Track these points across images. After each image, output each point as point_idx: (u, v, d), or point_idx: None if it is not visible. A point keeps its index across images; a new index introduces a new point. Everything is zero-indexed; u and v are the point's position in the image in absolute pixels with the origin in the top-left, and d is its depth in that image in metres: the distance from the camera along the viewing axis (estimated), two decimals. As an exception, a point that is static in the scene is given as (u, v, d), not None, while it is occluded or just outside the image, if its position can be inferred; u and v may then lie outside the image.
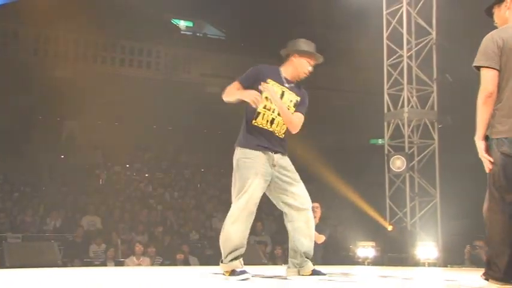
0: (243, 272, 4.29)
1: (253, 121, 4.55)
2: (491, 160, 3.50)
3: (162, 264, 10.88)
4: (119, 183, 15.15)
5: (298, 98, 4.67)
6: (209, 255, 11.96)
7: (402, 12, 12.04)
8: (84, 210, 12.91)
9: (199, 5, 17.93)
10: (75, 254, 10.76)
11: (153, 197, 14.68)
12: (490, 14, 3.79)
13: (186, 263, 10.98)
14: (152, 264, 10.56)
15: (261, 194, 4.48)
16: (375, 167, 13.35)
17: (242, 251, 4.40)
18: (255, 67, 4.66)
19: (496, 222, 3.47)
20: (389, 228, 11.92)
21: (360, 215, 12.70)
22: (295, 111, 4.62)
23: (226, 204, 16.26)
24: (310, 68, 4.67)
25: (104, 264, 10.62)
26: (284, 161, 4.62)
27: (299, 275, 4.68)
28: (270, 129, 4.56)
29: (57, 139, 16.76)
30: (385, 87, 12.35)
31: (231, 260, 4.36)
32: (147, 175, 16.21)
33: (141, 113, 15.92)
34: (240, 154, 4.53)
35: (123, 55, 16.79)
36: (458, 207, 11.49)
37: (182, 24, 20.77)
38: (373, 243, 10.68)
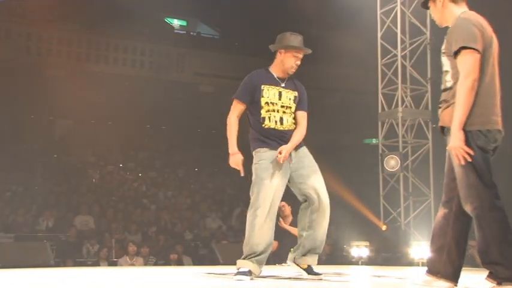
0: (244, 274, 4.29)
1: (263, 125, 4.56)
2: (471, 153, 3.23)
3: (155, 264, 10.84)
4: (112, 183, 15.09)
5: (296, 93, 4.67)
6: (203, 255, 11.93)
7: (396, 12, 12.03)
8: (77, 209, 12.84)
9: (193, 4, 17.90)
10: (68, 254, 10.69)
11: (146, 197, 14.62)
12: (426, 7, 3.69)
13: (179, 263, 10.94)
14: (145, 264, 10.52)
15: (281, 194, 4.49)
16: (369, 166, 13.36)
17: (264, 256, 4.41)
18: (246, 79, 4.66)
19: (493, 220, 3.23)
20: (384, 227, 11.92)
21: (354, 214, 12.69)
22: (298, 110, 4.65)
23: (220, 204, 16.23)
24: (298, 62, 4.64)
25: (97, 264, 10.57)
26: (301, 153, 4.63)
27: (294, 262, 4.67)
28: (281, 129, 4.58)
29: (49, 138, 16.68)
30: (379, 86, 12.34)
31: (244, 258, 4.39)
32: (140, 174, 16.15)
33: (135, 112, 15.87)
34: (255, 158, 4.55)
35: (116, 54, 16.73)
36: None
37: (176, 23, 20.73)
38: (367, 243, 10.67)
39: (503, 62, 3.58)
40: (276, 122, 4.56)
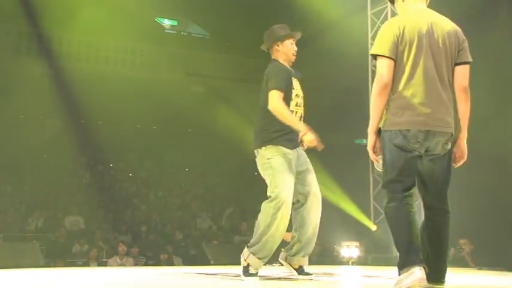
0: (253, 275, 4.37)
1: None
2: (376, 158, 3.46)
3: (145, 264, 10.82)
4: (102, 183, 15.04)
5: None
6: (193, 255, 11.92)
7: (387, 13, 12.07)
8: (67, 209, 12.79)
9: (184, 4, 17.85)
10: (57, 254, 10.65)
11: (137, 197, 14.59)
12: (392, 1, 3.72)
13: (170, 263, 10.93)
14: (136, 265, 10.49)
15: (293, 189, 4.46)
16: (359, 166, 13.38)
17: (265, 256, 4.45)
18: (279, 67, 4.58)
19: (398, 221, 3.37)
20: (374, 228, 11.94)
21: (344, 214, 12.72)
22: None
23: (211, 204, 16.18)
24: (295, 48, 4.72)
25: (86, 264, 10.53)
26: (301, 151, 4.66)
27: (286, 261, 4.67)
28: (300, 112, 4.62)
29: (39, 138, 16.58)
30: (370, 87, 12.37)
31: (260, 258, 4.40)
32: (131, 174, 16.11)
33: (125, 112, 15.81)
34: (268, 153, 4.46)
35: (107, 54, 16.66)
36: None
37: (166, 22, 20.66)
38: (357, 243, 10.70)
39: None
40: (298, 118, 4.58)
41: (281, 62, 4.68)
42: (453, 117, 3.35)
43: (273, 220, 4.36)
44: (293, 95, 4.55)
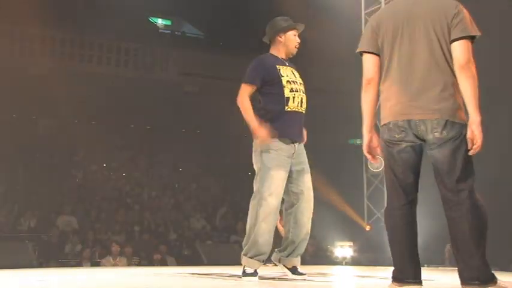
0: (252, 275, 4.36)
1: (286, 107, 4.49)
2: (371, 157, 3.35)
3: (139, 264, 10.79)
4: (95, 183, 14.98)
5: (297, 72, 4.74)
6: (187, 255, 11.89)
7: (380, 13, 12.09)
8: (59, 209, 12.74)
9: (178, 4, 17.82)
10: (50, 255, 10.61)
11: (130, 197, 14.55)
12: None
13: (163, 263, 10.90)
14: (129, 265, 10.46)
15: (283, 187, 4.44)
16: (353, 166, 13.39)
17: (266, 256, 4.46)
18: (255, 63, 4.58)
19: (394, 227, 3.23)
20: (367, 228, 11.97)
21: (338, 214, 12.73)
22: None
23: (205, 204, 16.14)
24: (298, 40, 4.71)
25: (79, 264, 10.50)
26: (301, 149, 4.62)
27: (279, 263, 4.67)
28: (301, 110, 4.57)
29: (32, 138, 16.51)
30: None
31: (252, 257, 4.40)
32: (124, 174, 16.06)
33: (118, 111, 15.78)
34: (263, 146, 4.43)
35: (100, 53, 16.61)
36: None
37: (160, 22, 20.63)
38: (350, 243, 10.72)
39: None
40: (298, 103, 4.53)
41: (274, 54, 4.67)
42: (452, 102, 3.10)
43: (257, 218, 4.37)
44: (283, 82, 4.50)
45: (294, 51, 4.70)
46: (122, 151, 17.11)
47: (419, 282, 3.19)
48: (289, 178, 4.51)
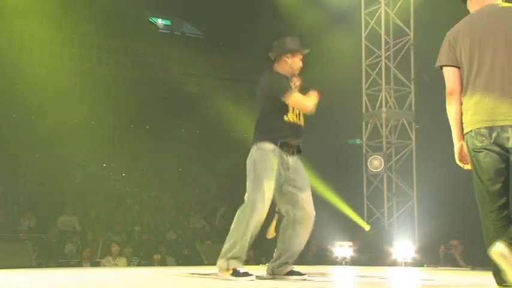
0: (247, 274, 4.38)
1: (285, 117, 4.57)
2: (461, 165, 3.40)
3: (138, 264, 10.79)
4: (95, 183, 14.98)
5: None
6: (186, 255, 11.89)
7: (380, 13, 12.09)
8: (59, 209, 12.73)
9: (178, 4, 17.82)
10: (50, 255, 10.61)
11: (130, 197, 14.54)
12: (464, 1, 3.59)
13: (163, 263, 10.90)
14: (129, 265, 10.46)
15: (272, 196, 4.51)
16: (352, 166, 13.39)
17: (244, 257, 4.50)
18: (282, 76, 4.69)
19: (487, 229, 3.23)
20: (367, 228, 11.96)
21: (338, 214, 12.72)
22: None
23: (204, 204, 16.10)
24: (301, 64, 4.80)
25: (79, 264, 10.49)
26: (298, 163, 4.67)
27: (273, 274, 4.68)
28: (299, 123, 4.65)
29: (32, 138, 16.51)
30: (363, 87, 12.40)
31: (235, 259, 4.43)
32: (124, 174, 16.05)
33: (118, 111, 15.77)
34: (258, 153, 4.54)
35: (100, 53, 16.62)
36: (435, 207, 11.58)
37: (160, 22, 20.62)
38: (350, 243, 10.71)
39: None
40: (296, 115, 4.62)
41: (279, 72, 4.74)
42: None
43: (248, 224, 4.43)
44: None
45: (296, 73, 4.80)
46: (122, 151, 17.11)
47: None
48: (288, 193, 4.58)
